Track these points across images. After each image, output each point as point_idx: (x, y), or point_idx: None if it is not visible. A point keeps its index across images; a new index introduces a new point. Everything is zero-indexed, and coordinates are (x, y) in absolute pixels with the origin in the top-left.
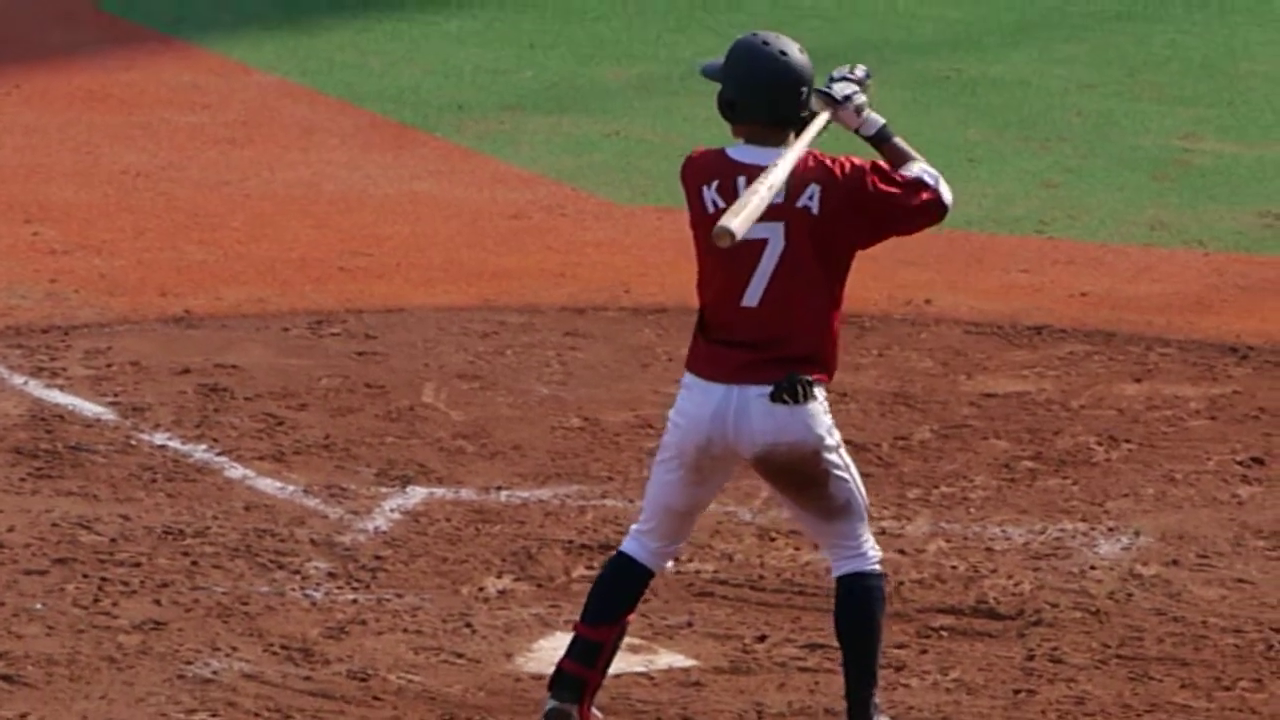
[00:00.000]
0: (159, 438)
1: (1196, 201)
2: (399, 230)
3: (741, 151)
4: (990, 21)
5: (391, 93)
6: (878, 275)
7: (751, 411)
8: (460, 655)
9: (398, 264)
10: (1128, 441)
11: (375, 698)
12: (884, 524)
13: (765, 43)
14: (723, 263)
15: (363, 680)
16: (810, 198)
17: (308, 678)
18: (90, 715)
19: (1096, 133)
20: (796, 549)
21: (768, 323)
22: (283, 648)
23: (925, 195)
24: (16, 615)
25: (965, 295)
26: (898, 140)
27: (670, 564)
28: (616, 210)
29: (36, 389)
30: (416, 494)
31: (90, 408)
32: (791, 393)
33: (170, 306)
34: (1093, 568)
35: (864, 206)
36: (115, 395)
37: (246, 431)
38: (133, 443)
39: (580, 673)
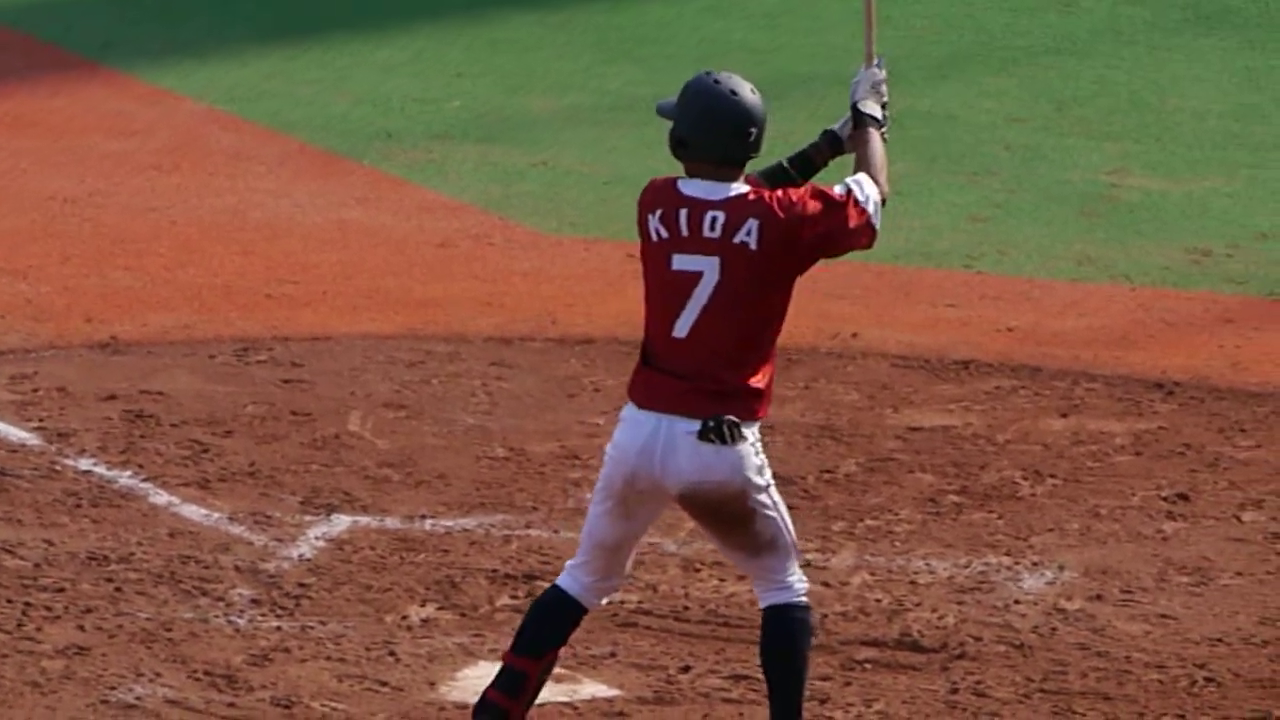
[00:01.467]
0: (84, 463)
1: (1124, 237)
2: (326, 258)
3: (690, 185)
4: (918, 55)
5: (319, 121)
6: (804, 308)
7: (679, 448)
8: (384, 683)
9: (324, 292)
10: (1053, 476)
11: None
12: (809, 556)
13: (717, 81)
14: (659, 292)
15: (286, 708)
16: (748, 233)
17: (231, 704)
18: None
19: (1024, 167)
20: (721, 580)
21: (697, 354)
22: (206, 674)
23: (858, 219)
24: None
25: (892, 329)
26: (875, 139)
27: (604, 600)
28: (544, 240)
29: None
30: (341, 522)
31: (15, 433)
32: (719, 433)
33: (96, 332)
34: (1017, 602)
35: (801, 237)
36: (40, 420)
37: (172, 458)
38: (58, 468)
39: (504, 703)
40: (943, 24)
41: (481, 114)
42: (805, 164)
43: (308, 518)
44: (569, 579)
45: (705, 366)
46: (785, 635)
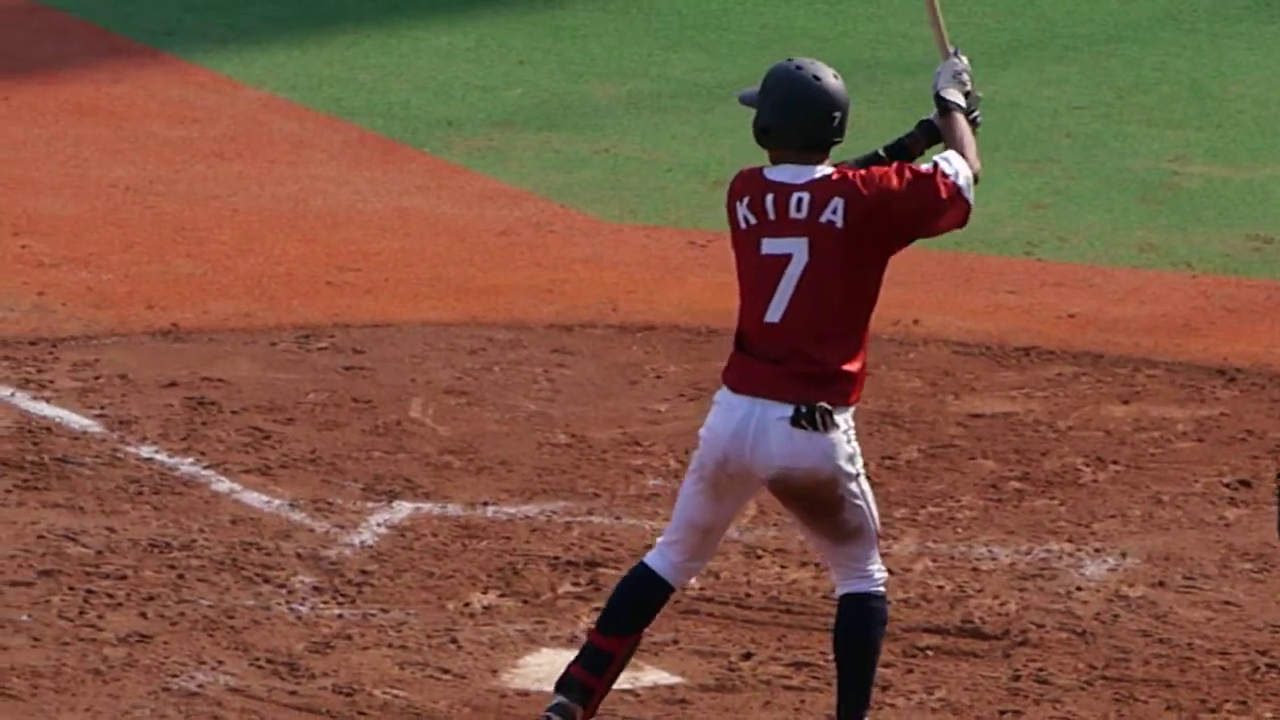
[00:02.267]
0: (146, 450)
1: (1185, 224)
2: (387, 246)
3: (776, 171)
4: (981, 42)
5: (381, 108)
6: None
7: (770, 433)
8: (445, 671)
9: (385, 279)
10: (1115, 463)
11: (360, 713)
12: None
13: (799, 68)
14: (750, 278)
15: (348, 695)
16: (834, 211)
17: (293, 692)
18: None
19: (1086, 154)
20: (783, 567)
21: (790, 339)
22: (268, 661)
23: (948, 191)
24: (2, 627)
25: (953, 315)
26: (961, 121)
27: (691, 580)
28: (605, 227)
29: (23, 401)
30: (403, 509)
31: (77, 420)
32: (811, 420)
33: (158, 320)
34: (1079, 589)
35: (890, 212)
36: (102, 408)
37: (233, 445)
38: (119, 455)
39: (587, 680)
40: (1004, 11)
41: (543, 101)
42: (901, 152)
43: (369, 504)
44: (658, 557)
45: (798, 350)
46: (861, 623)
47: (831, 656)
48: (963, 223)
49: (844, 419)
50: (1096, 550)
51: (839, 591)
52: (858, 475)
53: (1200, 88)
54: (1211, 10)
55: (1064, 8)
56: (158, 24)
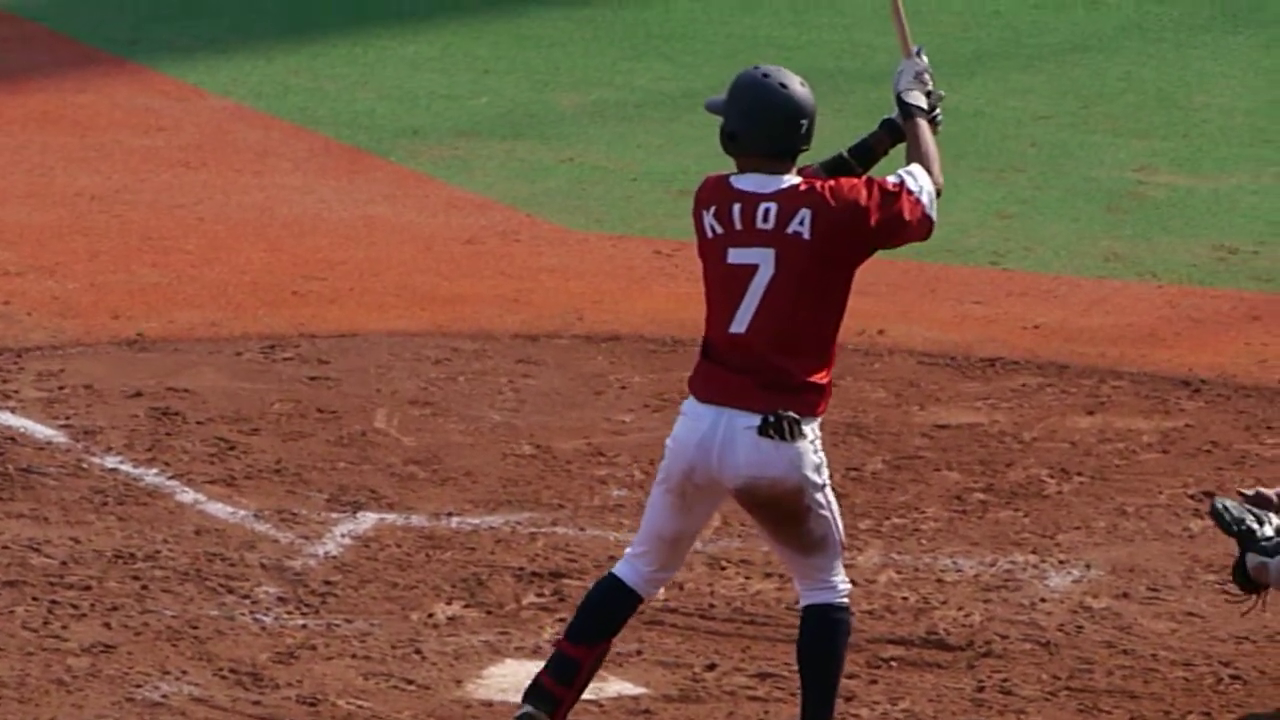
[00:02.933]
0: (110, 461)
1: (1150, 234)
2: (352, 255)
3: (742, 180)
4: (946, 52)
5: (346, 117)
6: None
7: (737, 442)
8: (410, 681)
9: (351, 289)
10: (1079, 474)
11: None
12: None
13: (765, 75)
14: (717, 287)
15: (312, 705)
16: (801, 223)
17: (257, 702)
18: None
19: (1051, 164)
20: (746, 578)
21: (756, 349)
22: (232, 672)
23: (913, 211)
24: None
25: (919, 326)
26: (923, 128)
27: (660, 590)
28: (570, 237)
29: None
30: (367, 519)
31: (42, 430)
32: (779, 429)
33: (123, 329)
34: (1043, 600)
35: (855, 227)
36: (67, 418)
37: (198, 455)
38: (84, 466)
39: (555, 689)
40: (969, 20)
41: (508, 110)
42: (866, 153)
43: (334, 515)
44: (627, 568)
45: (764, 361)
46: (824, 634)
47: (795, 667)
48: (925, 237)
49: (811, 429)
50: (1061, 562)
51: (803, 602)
52: (824, 485)
53: (1166, 97)
54: (1177, 20)
55: (1029, 17)
56: (123, 33)
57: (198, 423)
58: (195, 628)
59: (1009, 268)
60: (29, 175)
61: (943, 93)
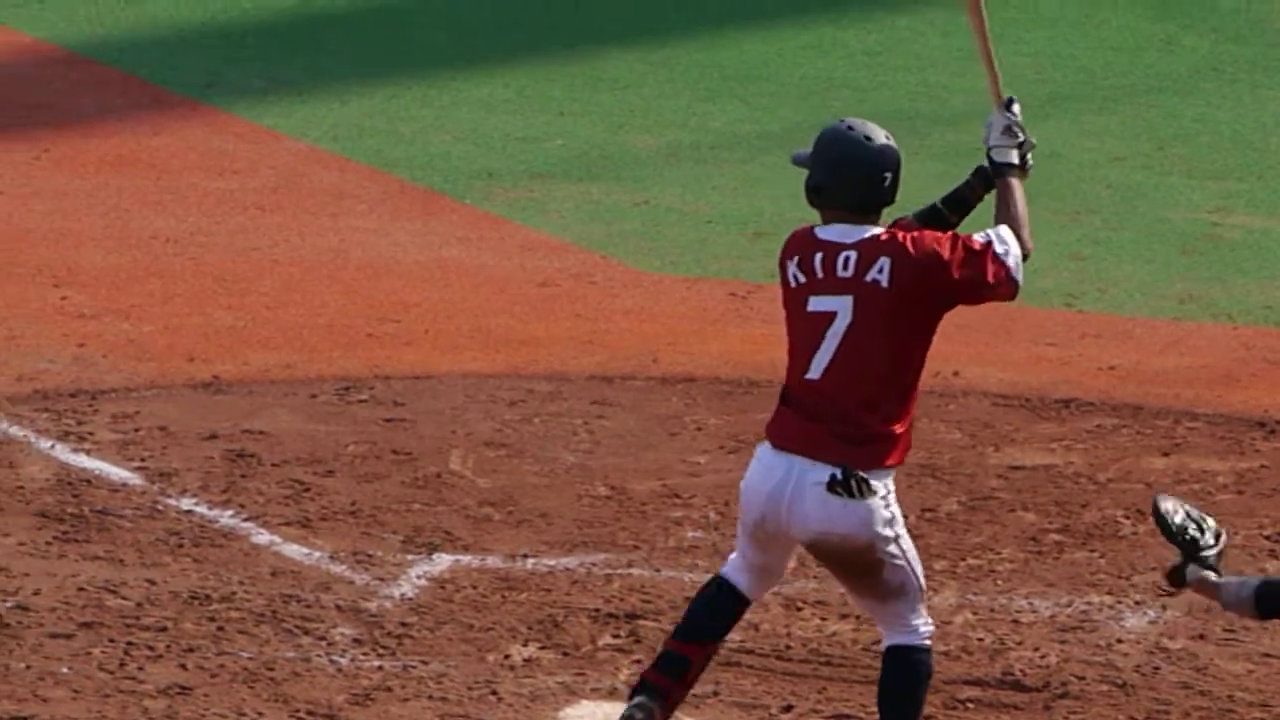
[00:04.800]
0: (186, 503)
1: (1226, 275)
2: (427, 297)
3: (826, 230)
4: (1020, 93)
5: (421, 160)
6: None
7: (807, 498)
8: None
9: (426, 330)
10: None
11: None
12: None
13: (850, 128)
14: (796, 335)
15: None
16: (880, 270)
17: None
18: None
19: (1126, 206)
20: (823, 619)
21: (831, 397)
22: (308, 714)
23: (997, 272)
24: (42, 679)
25: (993, 367)
26: (1014, 188)
27: (733, 634)
28: (645, 279)
29: (63, 453)
30: (443, 561)
31: (117, 472)
32: (846, 487)
33: (198, 372)
34: (1119, 641)
35: (935, 279)
36: (142, 460)
37: (273, 497)
38: (159, 508)
39: (663, 684)
40: (1045, 63)
41: (583, 152)
42: (959, 203)
43: (409, 556)
44: (732, 570)
45: (838, 408)
46: (904, 676)
47: (872, 709)
48: (1010, 298)
49: (883, 484)
50: (1137, 603)
51: (885, 644)
52: (896, 537)
53: (1241, 139)
54: (1252, 62)
55: (1103, 59)
56: (198, 76)
57: (273, 465)
58: (271, 669)
59: (1084, 309)
60: (104, 218)
61: (1034, 140)
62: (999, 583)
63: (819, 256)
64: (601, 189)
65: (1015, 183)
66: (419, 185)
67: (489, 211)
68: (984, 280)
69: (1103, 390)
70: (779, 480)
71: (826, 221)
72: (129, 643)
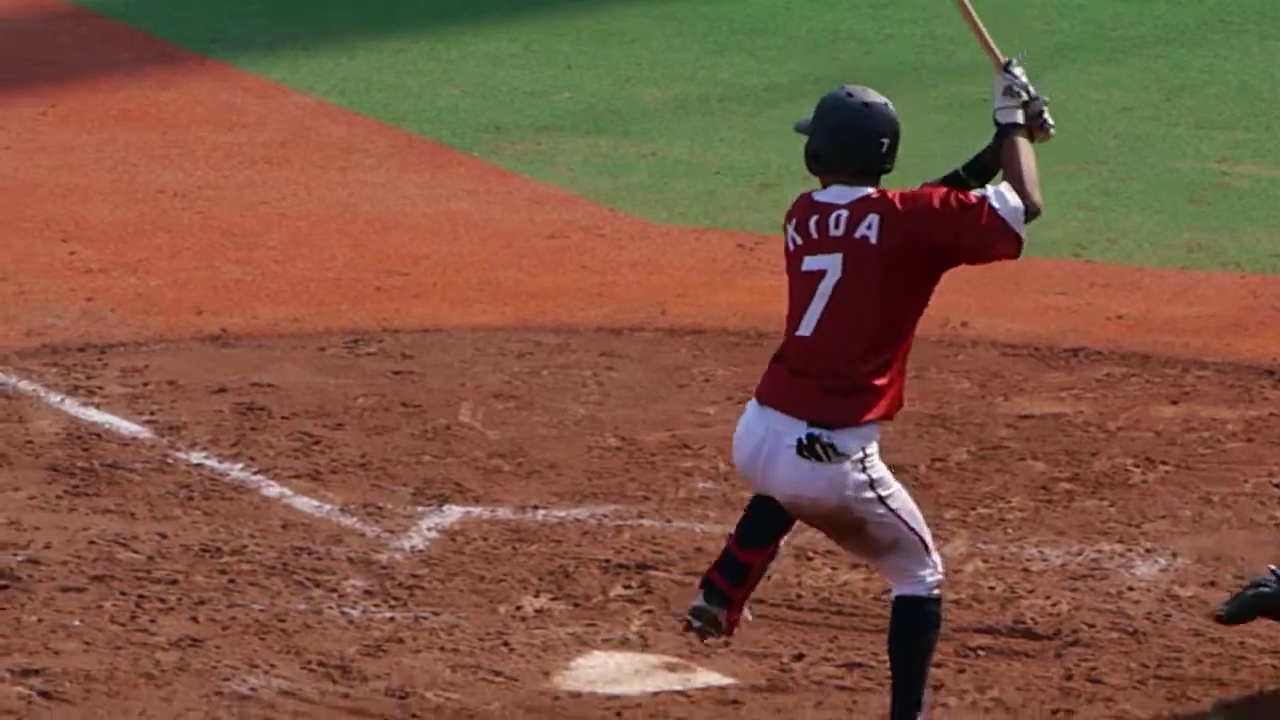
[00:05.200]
0: (195, 456)
1: (1234, 224)
2: (435, 250)
3: (824, 193)
4: (1028, 45)
5: (429, 113)
6: None
7: (779, 460)
8: (498, 673)
9: (434, 283)
10: (1165, 464)
11: (413, 715)
12: None
13: (849, 95)
14: (792, 294)
15: (401, 698)
16: (869, 227)
17: (345, 695)
18: None
19: (1134, 156)
20: (834, 568)
21: (819, 351)
22: (320, 665)
23: (990, 222)
24: (54, 632)
25: (1002, 317)
26: (1019, 146)
27: None
28: (653, 230)
29: (73, 407)
30: (453, 513)
31: (127, 426)
32: (812, 451)
33: (207, 325)
34: (1130, 589)
35: (925, 235)
36: (152, 413)
37: (283, 450)
38: (169, 461)
39: (728, 588)
40: (1053, 14)
41: (590, 105)
42: (979, 167)
43: (420, 509)
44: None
45: (825, 363)
46: (912, 625)
47: (883, 657)
48: (1013, 255)
49: (859, 445)
50: (1147, 550)
51: (893, 594)
52: (880, 497)
53: (1249, 89)
54: (1260, 12)
55: (1112, 10)
56: (204, 30)
57: (282, 418)
58: (283, 621)
59: (1092, 259)
60: (111, 173)
61: (1045, 98)
62: (1009, 531)
63: (814, 219)
64: (609, 142)
65: (1021, 141)
66: (427, 139)
67: (496, 165)
68: (976, 233)
69: (1111, 339)
70: (757, 442)
71: (825, 187)
72: (140, 596)
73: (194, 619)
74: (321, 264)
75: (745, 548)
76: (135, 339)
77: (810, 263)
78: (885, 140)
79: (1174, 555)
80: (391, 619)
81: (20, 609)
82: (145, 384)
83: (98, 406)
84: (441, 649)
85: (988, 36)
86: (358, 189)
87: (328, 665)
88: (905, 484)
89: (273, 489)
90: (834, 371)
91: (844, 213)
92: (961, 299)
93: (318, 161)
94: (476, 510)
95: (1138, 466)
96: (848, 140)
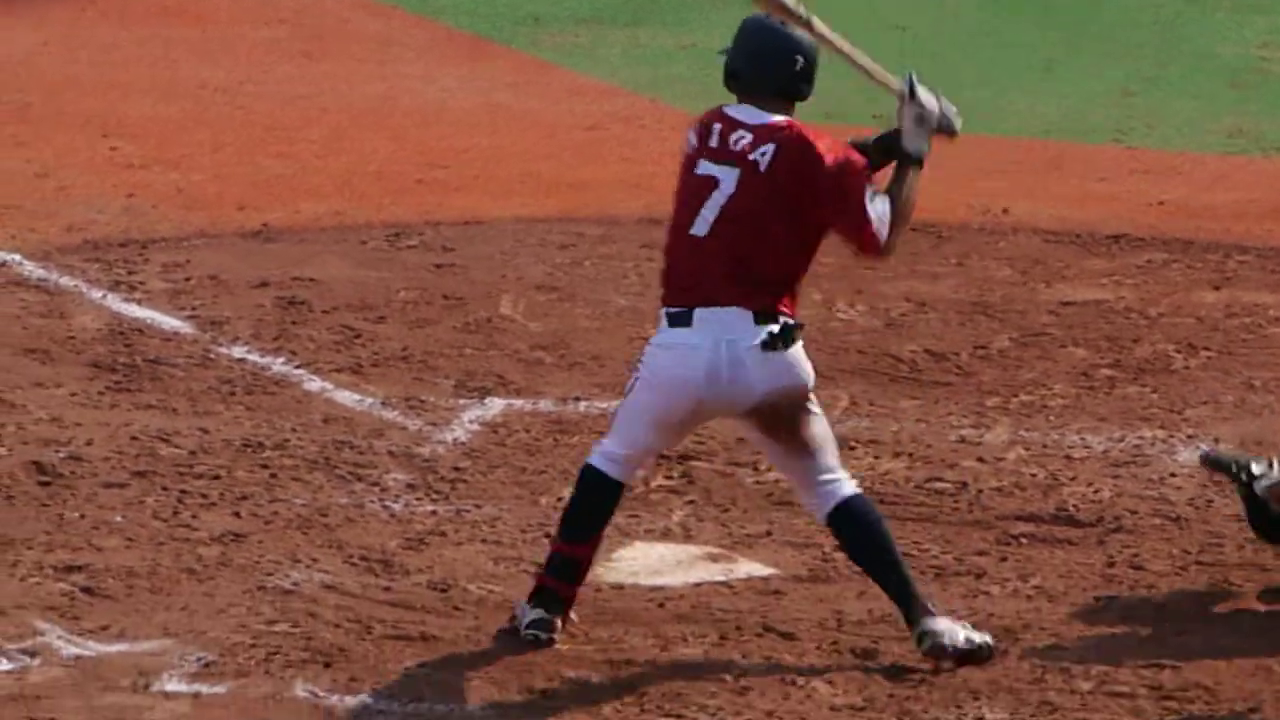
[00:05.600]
0: (237, 351)
1: (1274, 109)
2: (476, 143)
3: (735, 109)
4: None
5: (468, 5)
6: (955, 184)
7: (747, 363)
8: (539, 565)
9: (475, 176)
10: (1206, 349)
11: (455, 608)
12: (963, 432)
13: (768, 17)
14: (682, 195)
15: (443, 591)
16: (763, 154)
17: (388, 588)
18: (171, 626)
19: (1173, 41)
20: (876, 458)
21: (714, 251)
22: (362, 559)
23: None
24: (96, 528)
25: (1043, 203)
26: (910, 178)
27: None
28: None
29: (115, 303)
30: (495, 405)
31: (168, 321)
32: (783, 340)
33: (248, 220)
34: (1172, 475)
35: (806, 181)
36: (193, 309)
37: (324, 344)
38: (211, 356)
39: (561, 589)
40: None
41: None
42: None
43: (461, 401)
44: (608, 463)
45: (724, 256)
46: (865, 525)
47: (926, 544)
48: (864, 249)
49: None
50: (1189, 436)
51: (826, 509)
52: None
53: None
54: None
55: None
56: None
57: (324, 311)
58: (325, 516)
59: (1132, 145)
60: (152, 69)
61: (952, 106)
62: (1051, 418)
63: (718, 127)
64: (648, 33)
65: (915, 177)
66: (466, 31)
67: (536, 56)
68: (845, 199)
69: (1152, 225)
70: (708, 360)
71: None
72: (182, 491)
73: (236, 514)
74: (362, 158)
75: (579, 543)
76: (176, 234)
77: (705, 168)
78: (800, 58)
79: (1216, 441)
80: (433, 512)
81: (63, 505)
82: (187, 279)
83: (139, 302)
84: (483, 541)
85: (880, 73)
86: (397, 82)
87: (370, 559)
88: (948, 371)
89: (314, 383)
90: (734, 259)
91: (747, 134)
92: (1003, 185)
93: (357, 55)
94: (518, 402)
95: (1179, 352)
96: (765, 60)
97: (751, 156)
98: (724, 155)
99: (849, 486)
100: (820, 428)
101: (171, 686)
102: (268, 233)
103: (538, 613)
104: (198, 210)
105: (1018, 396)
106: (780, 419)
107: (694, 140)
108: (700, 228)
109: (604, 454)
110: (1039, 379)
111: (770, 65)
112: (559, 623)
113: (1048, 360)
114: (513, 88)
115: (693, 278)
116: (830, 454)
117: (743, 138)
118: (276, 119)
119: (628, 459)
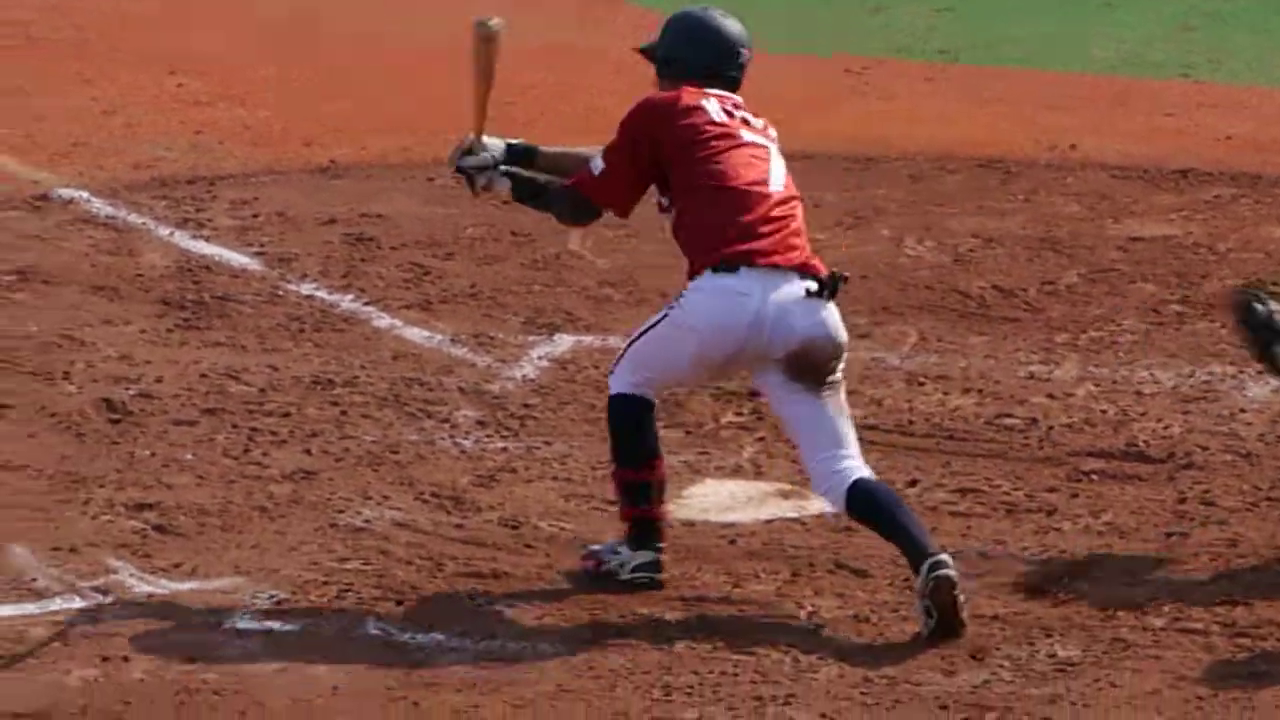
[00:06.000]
0: (306, 288)
1: None
2: (542, 79)
3: (708, 94)
4: None
5: None
6: (1022, 120)
7: (793, 310)
8: (610, 503)
9: (542, 112)
10: (1275, 284)
11: (527, 545)
12: (1032, 369)
13: (705, 9)
14: (738, 154)
15: (514, 528)
16: (767, 126)
17: (459, 525)
18: (243, 564)
19: None
20: (945, 394)
21: (791, 205)
22: (433, 496)
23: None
24: (167, 465)
25: (1110, 139)
26: (544, 151)
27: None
28: (760, 58)
29: (183, 240)
30: (564, 342)
31: (237, 258)
32: (832, 289)
33: (315, 156)
34: (1242, 411)
35: None
36: (261, 245)
37: (393, 281)
38: (280, 293)
39: (654, 513)
40: None
41: None
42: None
43: (530, 338)
44: (641, 390)
45: (789, 217)
46: (884, 496)
47: (998, 481)
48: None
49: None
50: (1259, 372)
51: (850, 481)
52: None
53: None
54: None
55: None
56: None
57: (392, 248)
58: (395, 453)
59: (1199, 79)
60: (219, 4)
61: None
62: (1120, 354)
63: (723, 105)
64: None
65: (523, 199)
66: None
67: None
68: (594, 160)
69: (1220, 160)
70: (756, 307)
71: (678, 91)
72: (252, 428)
73: (307, 451)
74: (428, 95)
75: (644, 466)
76: (244, 171)
77: (748, 135)
78: (744, 50)
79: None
80: (504, 449)
81: (133, 443)
82: (255, 216)
83: (207, 239)
84: (554, 478)
85: (478, 113)
86: (462, 19)
87: (441, 496)
88: (1016, 308)
89: (383, 320)
90: (797, 225)
91: (746, 111)
92: (1070, 121)
93: None
94: (587, 339)
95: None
96: (699, 39)
97: (766, 127)
98: (752, 129)
99: (860, 467)
100: (842, 396)
101: (244, 624)
102: (335, 169)
103: (643, 555)
104: (264, 147)
105: (1086, 332)
106: (809, 370)
107: (720, 114)
108: (776, 184)
109: (634, 384)
110: (1108, 315)
111: (709, 45)
112: (662, 561)
113: (1116, 296)
114: (579, 24)
115: (779, 242)
116: (847, 423)
117: (746, 113)
118: (342, 56)
119: (652, 385)
